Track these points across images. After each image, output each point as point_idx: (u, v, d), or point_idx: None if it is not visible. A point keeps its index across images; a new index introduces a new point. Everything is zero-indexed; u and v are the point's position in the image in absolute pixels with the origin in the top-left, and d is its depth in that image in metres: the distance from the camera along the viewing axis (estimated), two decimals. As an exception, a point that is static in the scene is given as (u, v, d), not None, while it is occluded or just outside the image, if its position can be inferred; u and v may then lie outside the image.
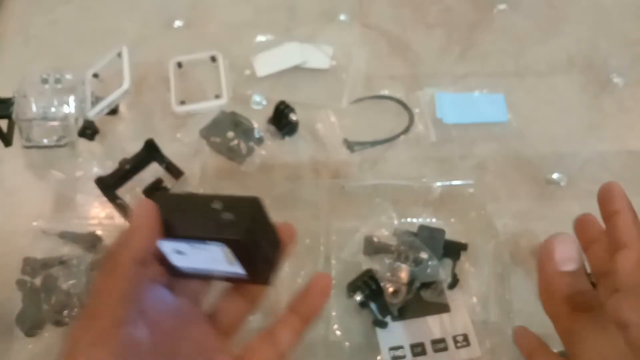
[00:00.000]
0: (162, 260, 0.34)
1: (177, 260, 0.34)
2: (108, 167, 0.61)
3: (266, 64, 0.71)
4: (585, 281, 0.31)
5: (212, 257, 0.32)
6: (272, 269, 0.34)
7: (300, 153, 0.66)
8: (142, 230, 0.30)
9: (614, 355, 0.29)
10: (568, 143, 0.68)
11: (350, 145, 0.66)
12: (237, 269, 0.33)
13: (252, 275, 0.33)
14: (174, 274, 0.34)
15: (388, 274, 0.54)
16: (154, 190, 0.60)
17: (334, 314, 0.55)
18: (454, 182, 0.63)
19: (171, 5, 0.77)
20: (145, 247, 0.30)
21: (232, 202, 0.31)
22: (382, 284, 0.53)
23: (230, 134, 0.65)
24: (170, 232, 0.31)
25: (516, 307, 0.55)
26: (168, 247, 0.33)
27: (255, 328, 0.54)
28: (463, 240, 0.58)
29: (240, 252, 0.31)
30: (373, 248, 0.57)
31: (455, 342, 0.53)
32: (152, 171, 0.62)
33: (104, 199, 0.60)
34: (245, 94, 0.69)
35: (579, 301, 0.30)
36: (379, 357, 0.53)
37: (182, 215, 0.32)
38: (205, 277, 0.35)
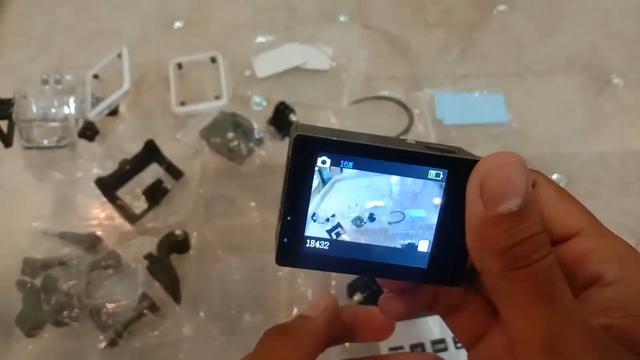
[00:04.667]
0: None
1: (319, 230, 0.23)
2: (108, 167, 0.61)
3: (266, 64, 0.71)
4: (534, 222, 0.20)
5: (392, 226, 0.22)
6: (465, 260, 0.23)
7: (300, 153, 0.66)
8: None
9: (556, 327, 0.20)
10: (568, 143, 0.68)
11: (350, 146, 0.66)
12: (424, 253, 0.23)
13: (443, 258, 0.23)
14: (286, 261, 0.24)
15: (388, 275, 0.54)
16: (154, 190, 0.60)
17: (334, 314, 0.55)
18: (454, 183, 0.63)
19: (171, 6, 0.77)
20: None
21: (434, 146, 0.24)
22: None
23: (230, 135, 0.65)
24: (346, 148, 0.22)
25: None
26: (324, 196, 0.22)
27: (255, 329, 0.54)
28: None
29: (457, 201, 0.22)
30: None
31: (455, 342, 0.53)
32: (152, 172, 0.62)
33: (104, 199, 0.60)
34: (245, 94, 0.69)
35: (519, 254, 0.20)
36: (379, 358, 0.53)
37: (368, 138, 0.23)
38: (351, 271, 0.25)
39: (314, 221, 0.23)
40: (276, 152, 0.65)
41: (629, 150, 0.68)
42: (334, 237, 0.23)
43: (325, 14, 0.77)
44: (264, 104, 0.69)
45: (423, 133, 0.67)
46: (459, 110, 0.69)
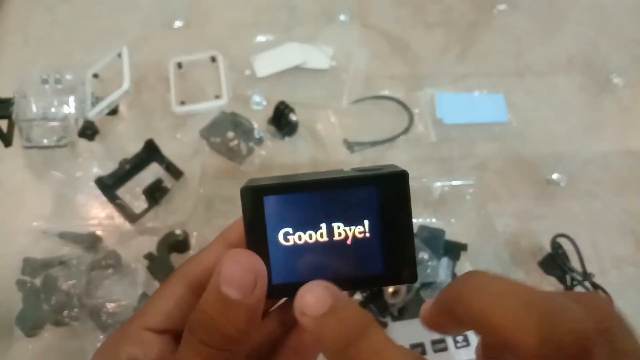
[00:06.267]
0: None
1: (281, 260, 0.25)
2: (108, 167, 0.61)
3: (266, 64, 0.71)
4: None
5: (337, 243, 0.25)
6: (414, 258, 0.26)
7: (300, 153, 0.66)
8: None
9: None
10: (568, 143, 0.68)
11: (350, 146, 0.66)
12: (372, 255, 0.25)
13: (395, 260, 0.25)
14: (271, 294, 0.25)
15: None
16: (154, 190, 0.60)
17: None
18: (454, 182, 0.63)
19: (171, 5, 0.77)
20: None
21: (364, 168, 0.26)
22: (382, 284, 0.53)
23: (230, 134, 0.65)
24: (289, 188, 0.25)
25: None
26: (275, 233, 0.25)
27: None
28: (463, 241, 0.58)
29: (393, 209, 0.25)
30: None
31: (455, 342, 0.53)
32: (152, 171, 0.62)
33: (104, 199, 0.60)
34: (245, 94, 0.69)
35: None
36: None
37: (301, 175, 0.26)
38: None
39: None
40: (276, 151, 0.65)
41: (629, 150, 0.68)
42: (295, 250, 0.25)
43: (325, 14, 0.77)
44: (264, 103, 0.69)
45: (423, 133, 0.67)
46: (458, 109, 0.69)
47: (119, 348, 0.25)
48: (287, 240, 0.25)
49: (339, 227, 0.25)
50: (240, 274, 0.23)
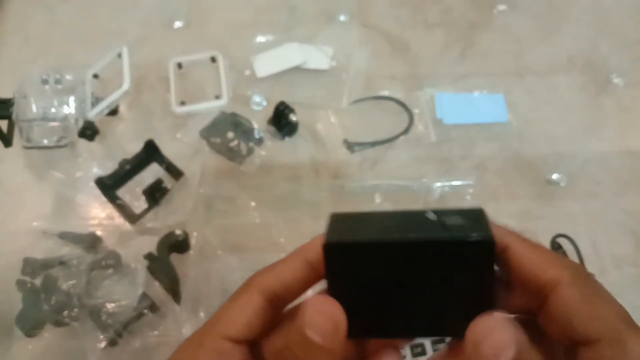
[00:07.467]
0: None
1: (361, 305, 0.25)
2: (108, 167, 0.61)
3: (266, 64, 0.71)
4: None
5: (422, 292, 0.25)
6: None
7: (300, 153, 0.66)
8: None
9: None
10: (568, 143, 0.68)
11: (350, 146, 0.66)
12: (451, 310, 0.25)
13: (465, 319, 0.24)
14: (354, 334, 0.25)
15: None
16: (154, 190, 0.60)
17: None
18: (454, 182, 0.63)
19: (171, 5, 0.77)
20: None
21: (447, 211, 0.26)
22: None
23: (230, 135, 0.65)
24: (375, 247, 0.25)
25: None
26: (356, 282, 0.25)
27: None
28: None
29: (477, 272, 0.24)
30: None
31: (455, 342, 0.53)
32: (152, 171, 0.62)
33: (104, 199, 0.60)
34: (245, 94, 0.69)
35: None
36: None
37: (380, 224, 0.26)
38: (400, 335, 0.27)
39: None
40: (276, 151, 0.65)
41: (629, 150, 0.68)
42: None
43: (325, 14, 0.77)
44: (264, 103, 0.69)
45: (423, 133, 0.67)
46: (459, 109, 0.69)
47: (197, 357, 0.25)
48: (368, 289, 0.25)
49: (418, 279, 0.25)
50: (323, 321, 0.23)
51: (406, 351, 0.52)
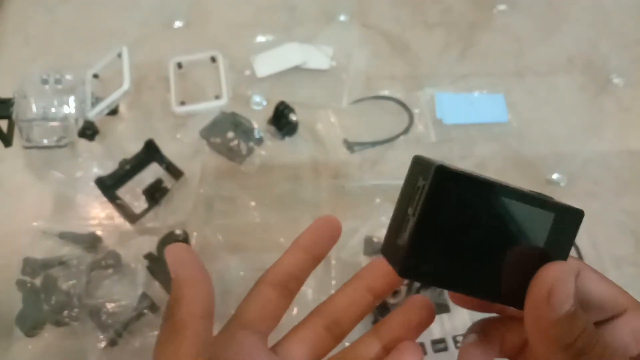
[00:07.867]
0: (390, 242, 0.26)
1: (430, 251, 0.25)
2: (108, 167, 0.61)
3: (266, 64, 0.71)
4: (582, 316, 0.25)
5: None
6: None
7: (300, 153, 0.66)
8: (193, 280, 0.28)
9: None
10: (568, 143, 0.68)
11: (350, 146, 0.66)
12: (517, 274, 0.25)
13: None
14: (406, 274, 0.25)
15: (388, 274, 0.54)
16: (154, 190, 0.60)
17: (334, 314, 0.55)
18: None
19: (171, 5, 0.77)
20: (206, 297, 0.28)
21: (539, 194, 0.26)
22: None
23: (230, 134, 0.65)
24: (481, 183, 0.25)
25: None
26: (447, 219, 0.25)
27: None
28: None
29: (557, 240, 0.26)
30: (373, 248, 0.57)
31: (455, 342, 0.53)
32: (152, 171, 0.62)
33: (104, 199, 0.60)
34: (245, 94, 0.69)
35: (579, 347, 0.24)
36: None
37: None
38: (458, 289, 0.27)
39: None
40: (276, 151, 0.65)
41: (629, 150, 0.68)
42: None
43: (325, 14, 0.77)
44: (264, 103, 0.69)
45: (423, 133, 0.67)
46: (459, 109, 0.69)
47: (216, 343, 0.27)
48: (453, 231, 0.25)
49: (503, 237, 0.25)
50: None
51: (428, 347, 0.52)
